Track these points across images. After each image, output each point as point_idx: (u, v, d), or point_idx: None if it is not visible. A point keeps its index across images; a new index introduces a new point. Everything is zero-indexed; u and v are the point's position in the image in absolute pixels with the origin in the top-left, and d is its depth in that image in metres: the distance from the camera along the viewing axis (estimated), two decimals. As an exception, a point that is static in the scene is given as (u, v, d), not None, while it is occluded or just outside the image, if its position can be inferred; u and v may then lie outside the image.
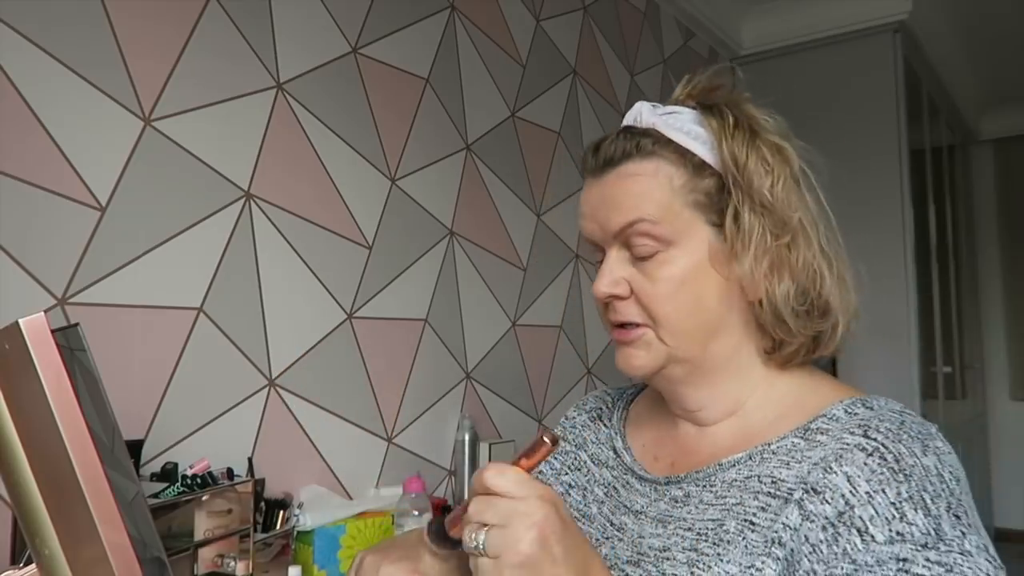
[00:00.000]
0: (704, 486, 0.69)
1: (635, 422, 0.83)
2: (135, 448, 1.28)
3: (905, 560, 0.56)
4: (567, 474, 0.83)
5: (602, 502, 0.77)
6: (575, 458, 0.84)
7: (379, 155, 1.88)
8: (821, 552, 0.59)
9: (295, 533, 1.43)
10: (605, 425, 0.85)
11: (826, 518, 0.60)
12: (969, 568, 0.55)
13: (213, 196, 1.51)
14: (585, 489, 0.80)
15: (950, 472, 0.60)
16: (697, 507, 0.68)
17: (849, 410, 0.66)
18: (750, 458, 0.68)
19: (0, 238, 1.21)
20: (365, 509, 1.52)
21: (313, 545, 1.40)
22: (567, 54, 2.60)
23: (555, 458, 0.85)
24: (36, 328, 0.50)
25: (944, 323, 3.84)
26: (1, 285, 1.20)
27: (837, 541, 0.58)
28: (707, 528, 0.65)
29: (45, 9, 1.28)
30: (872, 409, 0.65)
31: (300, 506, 1.48)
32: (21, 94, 1.24)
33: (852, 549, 0.58)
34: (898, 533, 0.57)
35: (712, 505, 0.67)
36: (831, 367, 3.06)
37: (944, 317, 3.85)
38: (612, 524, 0.74)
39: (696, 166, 0.70)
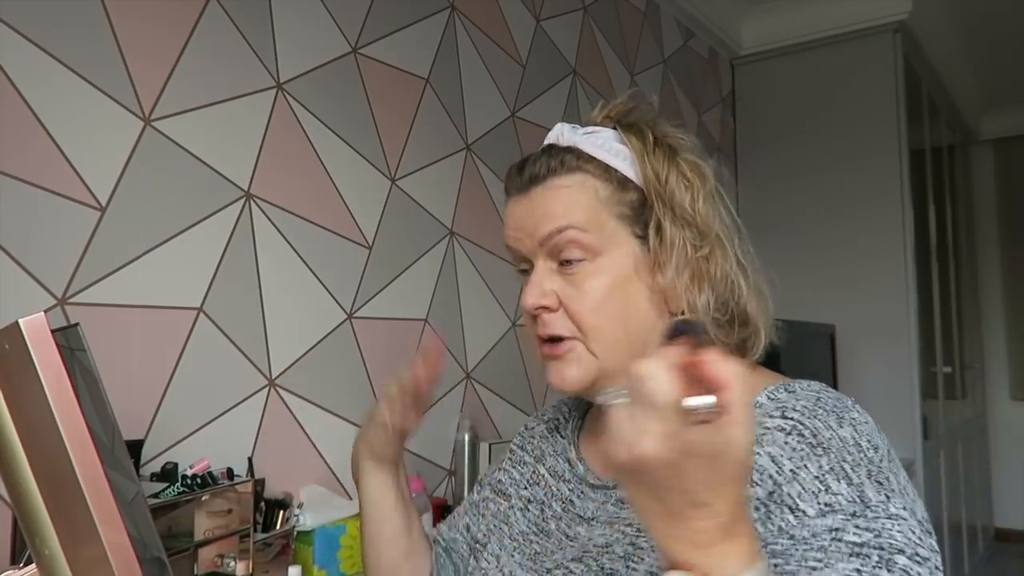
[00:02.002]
0: None
1: (590, 431, 0.84)
2: (135, 448, 1.28)
3: (837, 530, 0.58)
4: (527, 488, 0.85)
5: (559, 517, 0.78)
6: (533, 472, 0.85)
7: (379, 155, 1.88)
8: (757, 531, 0.60)
9: (295, 533, 1.43)
10: (561, 435, 0.86)
11: (757, 499, 0.61)
12: (898, 531, 0.57)
13: (213, 196, 1.51)
14: (543, 504, 0.81)
15: (867, 441, 0.62)
16: None
17: (771, 396, 0.67)
18: None
19: (0, 238, 1.21)
20: (365, 509, 1.52)
21: (313, 545, 1.40)
22: (567, 54, 2.60)
23: (515, 469, 0.88)
24: (36, 328, 0.51)
25: (944, 323, 3.84)
26: (1, 285, 1.20)
27: (771, 519, 0.60)
28: None
29: (45, 9, 1.28)
30: (793, 392, 0.67)
31: (300, 506, 1.48)
32: (21, 94, 1.24)
33: (787, 525, 0.59)
34: (826, 504, 0.59)
35: None
36: (831, 366, 3.06)
37: (944, 317, 3.86)
38: (567, 536, 0.76)
39: (619, 181, 0.72)
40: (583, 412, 0.88)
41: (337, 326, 1.75)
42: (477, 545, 0.86)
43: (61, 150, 1.29)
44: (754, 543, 0.47)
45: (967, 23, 3.70)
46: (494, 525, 0.85)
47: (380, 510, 0.88)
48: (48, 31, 1.28)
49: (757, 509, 0.61)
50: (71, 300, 1.28)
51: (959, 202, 4.48)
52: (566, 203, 0.71)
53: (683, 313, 0.71)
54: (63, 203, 1.29)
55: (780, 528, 0.59)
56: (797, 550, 0.58)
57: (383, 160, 1.89)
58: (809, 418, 0.63)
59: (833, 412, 0.63)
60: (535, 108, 2.42)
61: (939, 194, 3.94)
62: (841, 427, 0.62)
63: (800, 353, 2.68)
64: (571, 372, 0.71)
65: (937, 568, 0.57)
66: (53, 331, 0.51)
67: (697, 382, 0.45)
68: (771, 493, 0.61)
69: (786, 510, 0.60)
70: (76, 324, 0.60)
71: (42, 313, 0.51)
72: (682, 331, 0.50)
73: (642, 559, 0.64)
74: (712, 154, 0.80)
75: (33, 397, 0.50)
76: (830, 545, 0.57)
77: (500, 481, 0.89)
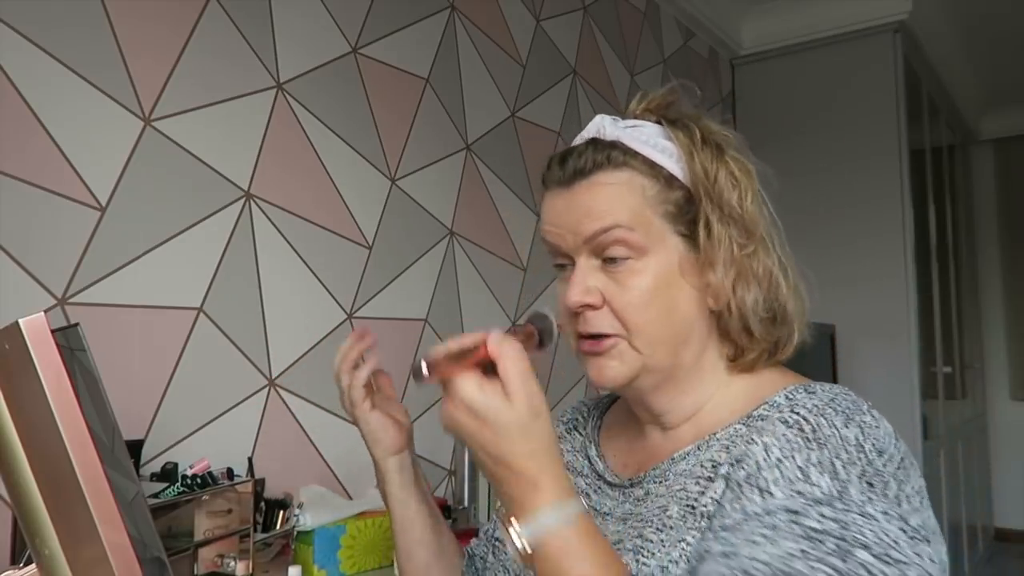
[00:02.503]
0: (660, 482, 0.71)
1: (608, 430, 0.85)
2: (135, 448, 1.28)
3: (796, 512, 0.57)
4: None
5: None
6: None
7: (379, 155, 1.88)
8: (724, 509, 0.61)
9: (295, 533, 1.43)
10: (580, 434, 0.87)
11: (736, 480, 0.62)
12: (870, 530, 0.55)
13: (213, 196, 1.51)
14: None
15: (873, 444, 0.60)
16: (653, 501, 0.70)
17: (790, 396, 0.67)
18: (698, 448, 0.70)
19: (0, 238, 1.21)
20: (365, 509, 1.52)
21: (313, 545, 1.40)
22: (567, 54, 2.60)
23: None
24: (36, 328, 0.51)
25: (944, 323, 3.84)
26: (1, 285, 1.20)
27: (740, 499, 0.60)
28: (653, 515, 0.67)
29: (45, 9, 1.28)
30: (813, 393, 0.66)
31: (300, 506, 1.48)
32: (21, 94, 1.24)
33: (749, 504, 0.59)
34: (798, 492, 0.58)
35: (662, 496, 0.69)
36: (831, 366, 3.06)
37: (944, 317, 3.85)
38: None
39: (666, 179, 0.71)
40: (602, 411, 0.88)
41: (337, 326, 1.74)
42: (497, 543, 0.87)
43: (61, 150, 1.29)
44: (560, 492, 0.57)
45: (967, 23, 3.70)
46: None
47: (407, 512, 0.87)
48: (48, 31, 1.28)
49: (732, 490, 0.61)
50: (71, 300, 1.28)
51: (959, 202, 4.47)
52: (612, 201, 0.70)
53: (728, 311, 0.71)
54: (63, 203, 1.29)
55: (743, 507, 0.59)
56: (748, 525, 0.58)
57: (383, 160, 1.89)
58: (815, 415, 0.62)
59: (843, 413, 0.62)
60: (535, 108, 2.42)
61: (939, 194, 3.94)
62: (847, 427, 0.61)
63: (800, 353, 2.68)
64: (613, 368, 0.71)
65: None
66: (53, 331, 0.51)
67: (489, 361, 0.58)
68: (749, 475, 0.61)
69: (755, 491, 0.60)
70: (76, 324, 0.60)
71: (42, 313, 0.51)
72: (530, 321, 0.64)
73: (653, 553, 0.64)
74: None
75: (33, 397, 0.50)
76: (784, 525, 0.56)
77: None
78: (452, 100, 2.11)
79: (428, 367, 0.56)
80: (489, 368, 0.59)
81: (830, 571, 0.53)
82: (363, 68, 1.86)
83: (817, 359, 2.95)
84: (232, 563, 1.21)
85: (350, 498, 1.68)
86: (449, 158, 2.09)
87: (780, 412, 0.64)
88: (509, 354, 0.58)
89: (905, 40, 3.32)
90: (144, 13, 1.41)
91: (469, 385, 0.58)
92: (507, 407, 0.57)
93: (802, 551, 0.54)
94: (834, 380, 3.04)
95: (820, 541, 0.54)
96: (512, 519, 0.57)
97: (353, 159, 1.81)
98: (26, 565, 0.59)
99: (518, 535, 0.56)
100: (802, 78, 3.49)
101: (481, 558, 0.89)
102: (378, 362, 0.87)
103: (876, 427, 0.62)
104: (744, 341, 0.72)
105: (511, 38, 2.35)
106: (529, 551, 0.56)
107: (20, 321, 0.50)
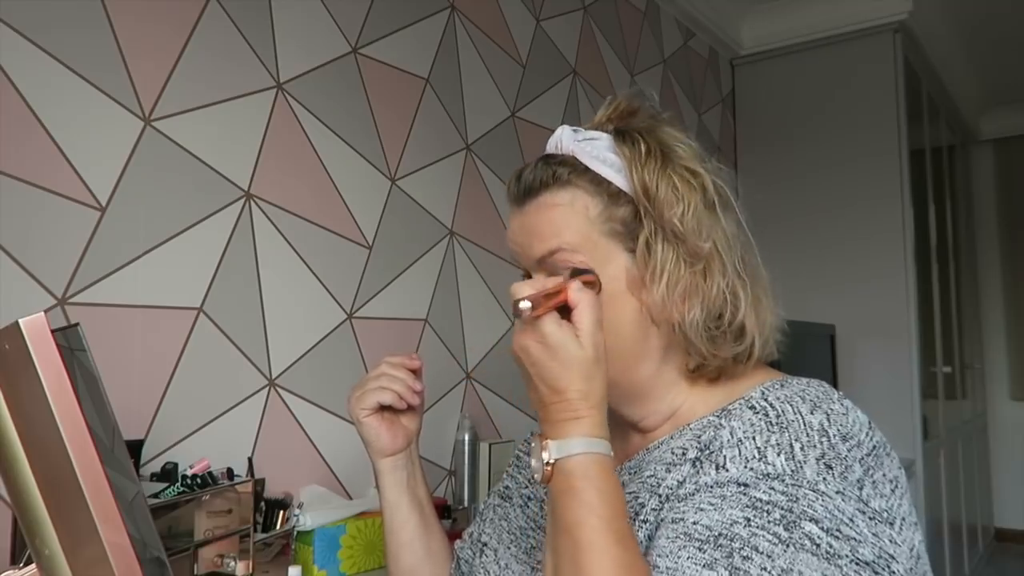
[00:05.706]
0: (635, 472, 0.72)
1: None
2: (135, 448, 1.28)
3: (746, 485, 0.58)
4: (527, 487, 0.86)
5: None
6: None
7: (379, 155, 1.88)
8: (684, 484, 0.63)
9: (295, 533, 1.43)
10: None
11: (697, 459, 0.64)
12: (821, 505, 0.56)
13: (213, 196, 1.51)
14: (543, 501, 0.83)
15: (838, 430, 0.61)
16: (627, 490, 0.70)
17: (764, 391, 0.67)
18: (671, 438, 0.71)
19: (0, 238, 1.21)
20: (365, 509, 1.52)
21: (313, 545, 1.39)
22: (567, 54, 2.60)
23: (519, 473, 0.89)
24: (36, 328, 0.51)
25: (944, 323, 3.84)
26: (1, 285, 1.20)
27: (698, 474, 0.62)
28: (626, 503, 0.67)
29: (45, 9, 1.28)
30: (786, 386, 0.67)
31: (300, 506, 1.47)
32: (21, 94, 1.24)
33: (704, 477, 0.61)
34: (750, 469, 0.59)
35: (635, 484, 0.70)
36: (831, 366, 3.06)
37: (944, 317, 3.85)
38: None
39: (612, 195, 0.71)
40: None
41: (337, 326, 1.74)
42: (481, 546, 0.87)
43: (61, 150, 1.29)
44: (596, 427, 0.60)
45: (967, 23, 3.70)
46: (496, 525, 0.87)
47: (396, 515, 0.88)
48: (48, 31, 1.28)
49: (694, 465, 0.63)
50: (71, 300, 1.28)
51: (959, 202, 4.47)
52: (557, 224, 0.71)
53: (674, 327, 0.70)
54: (63, 203, 1.29)
55: (697, 480, 0.61)
56: (699, 495, 0.59)
57: (383, 160, 1.89)
58: (782, 402, 0.63)
59: (811, 401, 0.63)
60: (535, 108, 2.42)
61: (939, 194, 3.94)
62: (812, 413, 0.62)
63: (800, 353, 2.68)
64: None
65: (868, 561, 0.54)
66: (53, 331, 0.51)
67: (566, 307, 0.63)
68: (711, 453, 0.62)
69: (712, 466, 0.61)
70: (76, 324, 0.60)
71: (42, 313, 0.51)
72: (578, 273, 0.68)
73: None
74: (713, 154, 0.79)
75: (33, 397, 0.50)
76: (732, 496, 0.57)
77: (507, 487, 0.91)
78: (452, 100, 2.11)
79: (533, 306, 0.62)
80: (562, 310, 0.64)
81: (772, 538, 0.54)
82: (363, 68, 1.86)
83: (817, 359, 2.95)
84: (232, 563, 1.20)
85: (350, 498, 1.68)
86: (449, 158, 2.09)
87: (751, 402, 0.65)
88: (587, 302, 0.63)
89: (905, 40, 3.32)
90: (144, 13, 1.41)
91: (550, 321, 0.62)
92: (577, 346, 0.61)
93: (746, 518, 0.55)
94: (834, 380, 3.04)
95: (766, 511, 0.56)
96: (547, 439, 0.61)
97: (353, 159, 1.81)
98: (26, 565, 0.59)
99: (547, 451, 0.61)
100: (802, 78, 3.49)
101: (467, 562, 0.89)
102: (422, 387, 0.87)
103: (844, 414, 0.62)
104: (695, 356, 0.71)
105: (511, 38, 2.35)
106: (550, 465, 0.60)
107: (20, 321, 0.50)
